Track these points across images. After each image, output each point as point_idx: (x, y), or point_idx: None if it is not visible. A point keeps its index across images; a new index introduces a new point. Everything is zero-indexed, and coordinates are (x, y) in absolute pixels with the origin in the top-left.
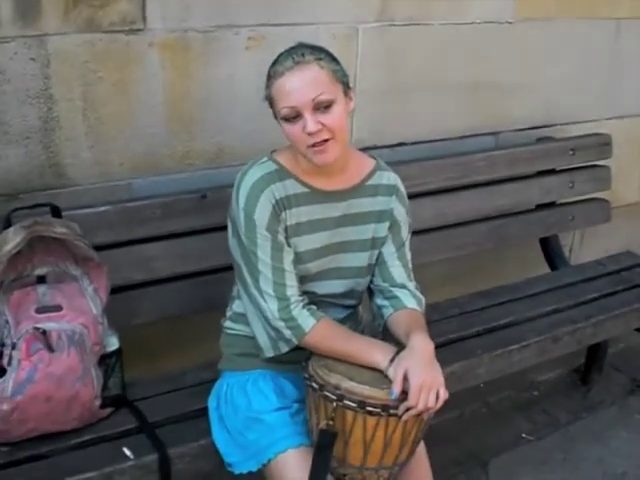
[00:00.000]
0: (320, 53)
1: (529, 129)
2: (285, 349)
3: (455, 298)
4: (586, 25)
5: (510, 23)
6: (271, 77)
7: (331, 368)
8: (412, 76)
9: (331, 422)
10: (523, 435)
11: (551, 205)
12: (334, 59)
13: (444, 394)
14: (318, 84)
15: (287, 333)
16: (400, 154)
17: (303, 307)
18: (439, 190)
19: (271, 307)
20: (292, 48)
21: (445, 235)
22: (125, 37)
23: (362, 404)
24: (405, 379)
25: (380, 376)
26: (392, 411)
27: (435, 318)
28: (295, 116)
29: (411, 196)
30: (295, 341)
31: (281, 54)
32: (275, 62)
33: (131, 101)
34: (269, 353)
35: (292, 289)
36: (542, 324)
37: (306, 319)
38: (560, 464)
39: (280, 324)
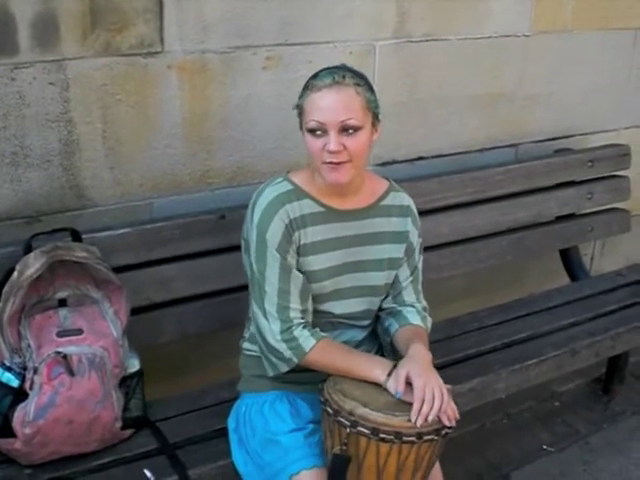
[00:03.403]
0: (360, 80)
1: (548, 140)
2: (285, 369)
3: (475, 312)
4: (603, 36)
5: (527, 36)
6: (307, 89)
7: (346, 393)
8: (430, 90)
9: (345, 447)
10: (544, 447)
11: (570, 217)
12: (371, 88)
13: (447, 394)
14: (350, 108)
15: (288, 353)
16: (420, 168)
17: (304, 327)
18: (458, 204)
19: (273, 328)
20: (335, 67)
21: (465, 249)
22: (143, 60)
23: (375, 431)
24: (408, 384)
25: (395, 403)
26: (405, 438)
27: (454, 333)
28: (320, 131)
29: (430, 211)
30: (296, 360)
31: (323, 69)
32: (315, 76)
33: (150, 122)
34: (269, 372)
35: (295, 312)
36: (560, 338)
37: (307, 339)
38: (581, 476)
39: (282, 345)
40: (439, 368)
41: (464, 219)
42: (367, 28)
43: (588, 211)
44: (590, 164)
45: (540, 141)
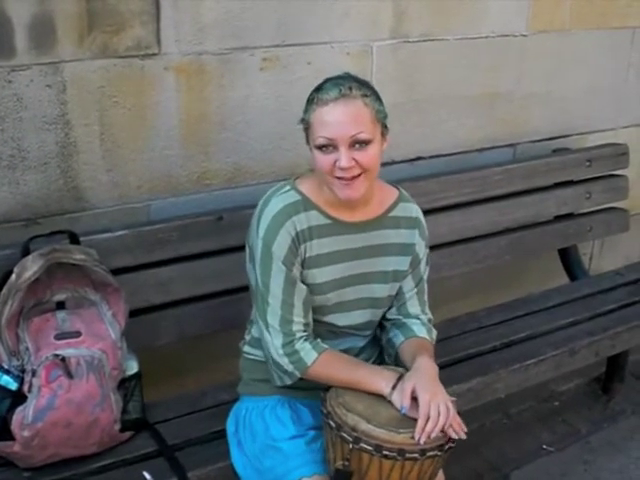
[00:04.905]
0: (367, 90)
1: (547, 140)
2: (288, 382)
3: (474, 312)
4: (600, 35)
5: (525, 36)
6: (313, 103)
7: (349, 407)
8: (428, 91)
9: (347, 463)
10: (544, 446)
11: (569, 216)
12: (379, 98)
13: (453, 408)
14: (360, 122)
15: (290, 367)
16: (418, 169)
17: (305, 340)
18: (457, 204)
19: (275, 342)
20: (340, 78)
21: (463, 249)
22: (140, 62)
23: (378, 448)
24: (414, 399)
25: (398, 417)
26: (408, 455)
27: (453, 333)
28: (330, 147)
29: (429, 211)
30: (298, 374)
31: (327, 80)
32: (319, 88)
33: (147, 124)
34: (277, 383)
35: (298, 325)
36: (559, 337)
37: (308, 352)
38: (581, 475)
39: (284, 360)
40: (438, 368)
41: (463, 219)
42: (364, 28)
43: (587, 210)
44: (588, 163)
45: (538, 141)
